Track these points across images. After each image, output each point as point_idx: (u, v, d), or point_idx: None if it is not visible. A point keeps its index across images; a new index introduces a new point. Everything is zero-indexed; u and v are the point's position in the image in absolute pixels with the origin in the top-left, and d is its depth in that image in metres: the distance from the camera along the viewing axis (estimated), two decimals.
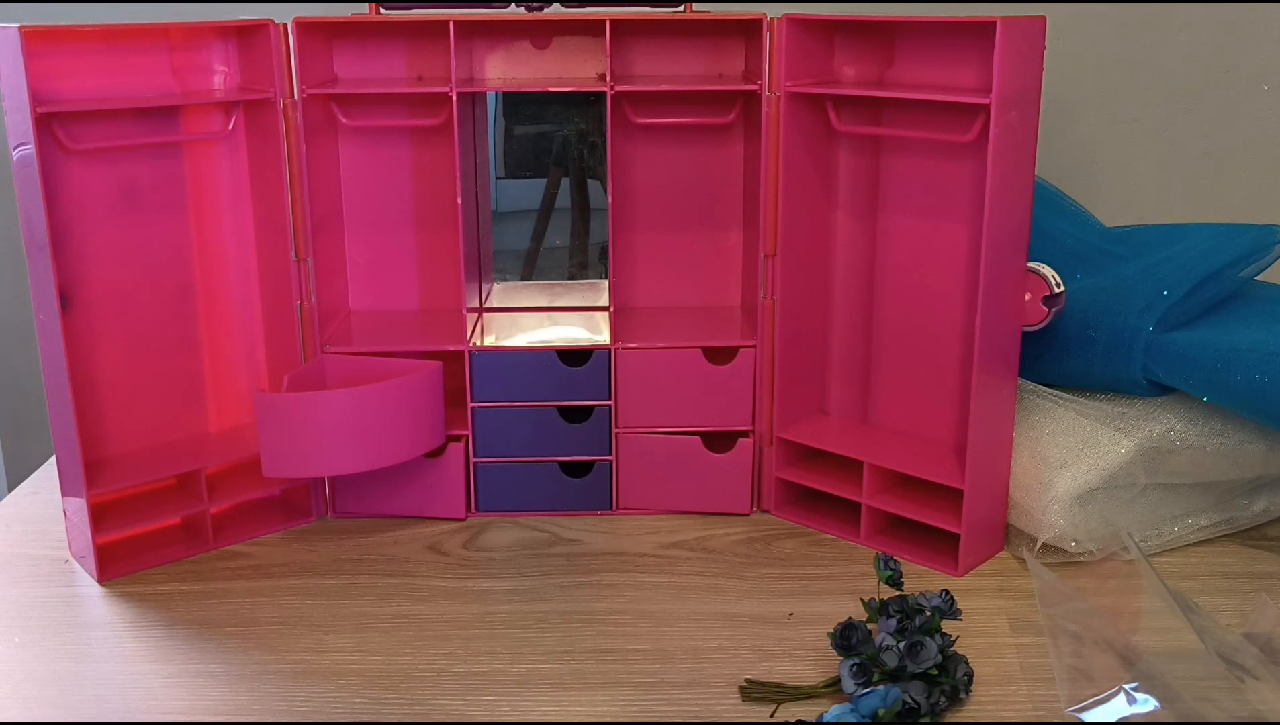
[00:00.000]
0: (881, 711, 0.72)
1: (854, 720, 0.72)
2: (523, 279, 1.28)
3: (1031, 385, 1.00)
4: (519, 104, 1.25)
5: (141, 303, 1.00)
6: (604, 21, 0.97)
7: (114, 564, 0.96)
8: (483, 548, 1.00)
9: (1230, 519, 1.00)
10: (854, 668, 0.77)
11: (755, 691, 0.79)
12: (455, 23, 0.96)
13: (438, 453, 1.03)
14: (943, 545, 0.95)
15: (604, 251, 1.20)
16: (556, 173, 1.27)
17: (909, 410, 1.03)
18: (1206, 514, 0.99)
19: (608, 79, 0.99)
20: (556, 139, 1.26)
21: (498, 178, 1.23)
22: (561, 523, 1.04)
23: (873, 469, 0.98)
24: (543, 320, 1.14)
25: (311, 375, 1.01)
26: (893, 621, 0.78)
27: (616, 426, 1.04)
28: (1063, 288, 0.95)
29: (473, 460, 1.04)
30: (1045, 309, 0.95)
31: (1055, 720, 0.76)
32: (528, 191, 1.29)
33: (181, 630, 0.88)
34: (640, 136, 1.08)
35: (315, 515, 1.05)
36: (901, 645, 0.76)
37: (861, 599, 0.84)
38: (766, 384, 1.04)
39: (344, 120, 1.05)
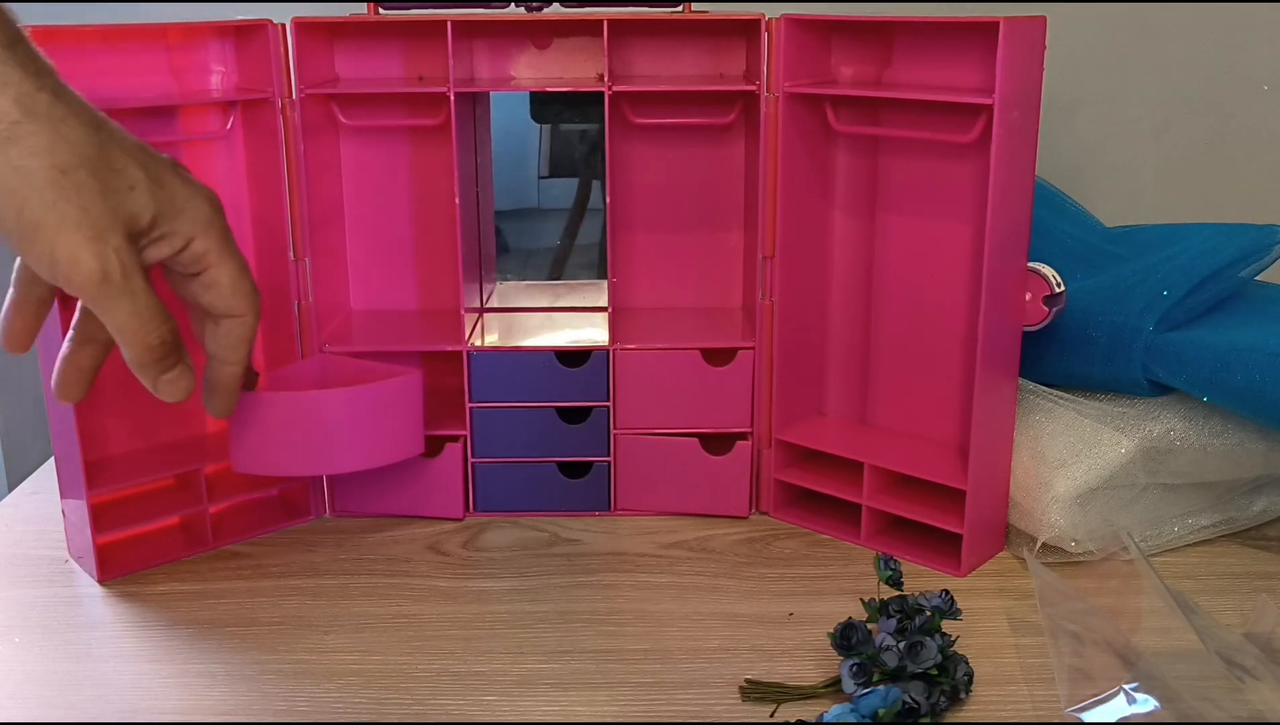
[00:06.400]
0: (881, 711, 0.72)
1: (854, 720, 0.72)
2: (551, 277, 1.29)
3: (1031, 385, 1.00)
4: (546, 104, 1.27)
5: None
6: (602, 21, 0.97)
7: (114, 564, 0.96)
8: (482, 548, 1.00)
9: (1230, 519, 1.00)
10: (854, 668, 0.77)
11: (755, 691, 0.79)
12: (454, 23, 0.96)
13: (432, 455, 1.03)
14: (943, 545, 0.95)
15: None
16: (588, 173, 1.29)
17: (908, 411, 1.03)
18: (1206, 514, 0.99)
19: (606, 79, 0.98)
20: (587, 139, 1.28)
21: (540, 177, 1.25)
22: (561, 522, 1.04)
23: (873, 470, 0.98)
24: (542, 320, 1.14)
25: (298, 374, 1.01)
26: (893, 621, 0.78)
27: (615, 427, 1.04)
28: (1063, 288, 0.95)
29: (471, 460, 1.04)
30: (1045, 309, 0.95)
31: (1055, 720, 0.76)
32: (566, 191, 1.32)
33: (181, 630, 0.88)
34: (640, 137, 1.08)
35: (314, 515, 1.05)
36: (901, 645, 0.76)
37: (861, 599, 0.83)
38: (765, 385, 1.03)
39: (343, 120, 1.05)
